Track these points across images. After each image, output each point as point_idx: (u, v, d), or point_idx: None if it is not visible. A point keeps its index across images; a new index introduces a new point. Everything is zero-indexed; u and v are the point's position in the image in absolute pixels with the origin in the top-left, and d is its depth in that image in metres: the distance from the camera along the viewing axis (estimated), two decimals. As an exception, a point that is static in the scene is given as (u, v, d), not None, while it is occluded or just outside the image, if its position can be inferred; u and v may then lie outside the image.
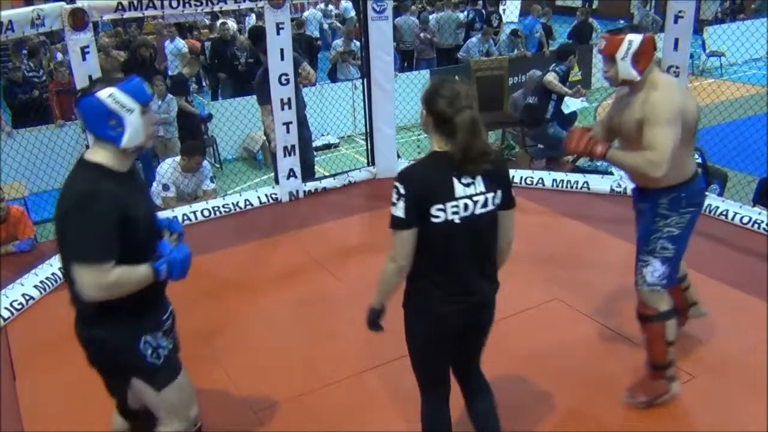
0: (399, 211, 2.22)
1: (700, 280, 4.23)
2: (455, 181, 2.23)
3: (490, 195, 2.29)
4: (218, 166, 8.55)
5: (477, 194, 2.27)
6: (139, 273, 2.17)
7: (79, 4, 4.48)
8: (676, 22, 4.95)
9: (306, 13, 13.83)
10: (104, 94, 2.12)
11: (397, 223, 2.24)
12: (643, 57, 2.84)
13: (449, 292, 2.34)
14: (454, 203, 2.23)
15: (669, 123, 2.76)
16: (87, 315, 2.25)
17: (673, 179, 2.90)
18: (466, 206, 2.25)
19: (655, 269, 3.03)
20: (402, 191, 2.22)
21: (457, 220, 2.24)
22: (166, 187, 5.68)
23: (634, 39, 2.83)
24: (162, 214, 5.28)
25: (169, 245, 2.30)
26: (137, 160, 7.44)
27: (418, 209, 2.22)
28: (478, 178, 2.26)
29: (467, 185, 2.25)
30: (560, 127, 6.58)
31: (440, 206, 2.22)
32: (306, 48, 10.89)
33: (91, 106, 2.14)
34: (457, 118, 2.19)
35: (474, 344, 2.60)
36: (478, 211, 2.27)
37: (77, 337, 2.30)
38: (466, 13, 12.76)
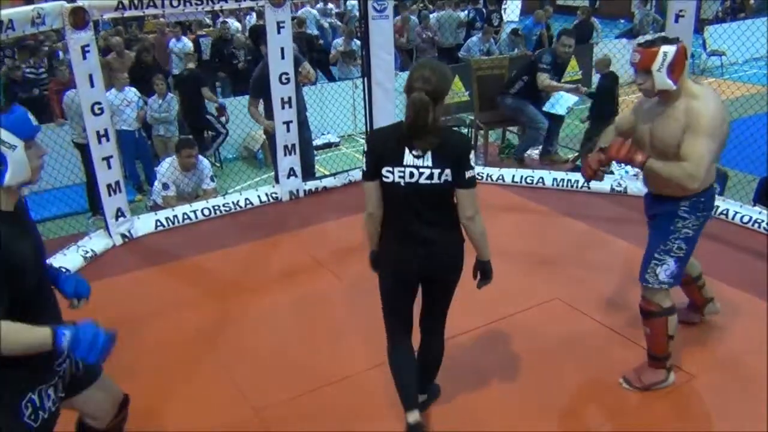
0: (364, 165, 2.64)
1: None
2: (406, 150, 2.54)
3: (436, 171, 2.53)
4: (219, 165, 8.55)
5: (423, 167, 2.54)
6: (35, 336, 1.93)
7: (79, 3, 4.48)
8: (676, 21, 4.96)
9: (301, 11, 13.82)
10: None
11: (363, 175, 2.67)
12: (677, 67, 2.87)
13: (403, 241, 2.68)
14: (400, 168, 2.55)
15: (710, 136, 2.83)
16: None
17: (697, 188, 2.97)
18: (411, 174, 2.55)
19: (669, 268, 3.12)
20: (365, 149, 2.67)
21: (402, 183, 2.56)
22: (166, 186, 5.69)
23: (669, 50, 2.86)
24: (162, 213, 5.35)
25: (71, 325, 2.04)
26: (137, 159, 7.44)
27: (375, 166, 2.60)
28: (428, 154, 2.53)
29: (417, 157, 2.54)
30: (548, 120, 6.40)
31: (389, 168, 2.56)
32: (306, 47, 10.88)
33: None
34: (411, 96, 2.50)
35: (433, 294, 2.86)
36: (422, 181, 2.55)
37: None
38: (466, 12, 12.76)
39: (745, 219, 4.97)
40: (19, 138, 1.99)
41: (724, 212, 5.09)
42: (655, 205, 3.20)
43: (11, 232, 1.96)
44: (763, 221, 4.87)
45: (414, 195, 2.58)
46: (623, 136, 3.16)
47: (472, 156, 2.58)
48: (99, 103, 4.73)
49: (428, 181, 2.54)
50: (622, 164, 3.16)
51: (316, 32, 13.06)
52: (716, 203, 5.09)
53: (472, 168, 2.56)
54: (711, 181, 3.08)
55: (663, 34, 3.11)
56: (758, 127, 6.65)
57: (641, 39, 3.00)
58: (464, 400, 3.24)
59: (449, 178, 2.54)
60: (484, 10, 13.32)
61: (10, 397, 2.04)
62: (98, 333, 2.01)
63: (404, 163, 2.54)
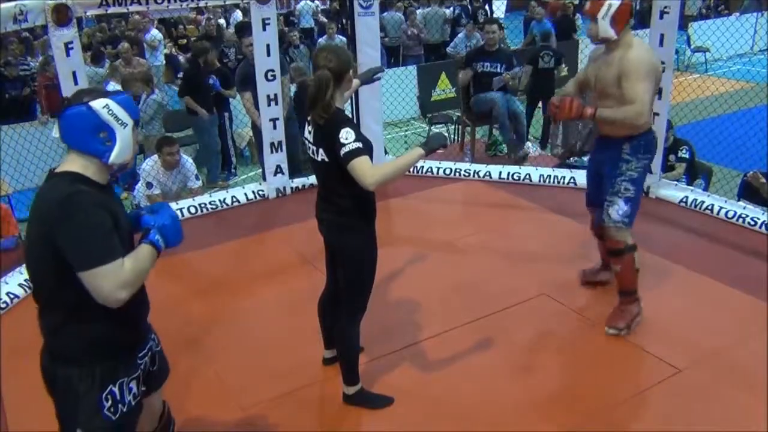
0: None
1: (684, 273, 4.29)
2: (309, 123, 2.81)
3: (316, 148, 2.77)
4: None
5: (310, 142, 2.81)
6: (144, 254, 2.04)
7: (62, 0, 4.43)
8: (661, 18, 4.98)
9: (300, 5, 13.82)
10: (99, 104, 1.97)
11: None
12: (620, 18, 3.34)
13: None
14: (304, 139, 2.88)
15: (646, 77, 3.29)
16: (58, 350, 2.06)
17: (636, 129, 3.44)
18: (308, 146, 2.84)
19: (620, 207, 3.49)
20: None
21: (310, 154, 2.85)
22: (149, 185, 5.66)
23: (614, 2, 3.34)
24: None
25: (150, 216, 2.15)
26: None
27: None
28: (313, 130, 2.78)
29: (310, 132, 2.81)
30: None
31: (303, 136, 2.91)
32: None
33: (82, 116, 1.96)
34: (315, 73, 2.72)
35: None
36: (312, 155, 2.83)
37: (42, 373, 2.10)
38: (452, 9, 12.76)
39: (730, 214, 5.00)
40: (130, 117, 2.04)
41: (709, 207, 5.12)
42: (602, 147, 3.63)
43: (105, 198, 2.02)
44: (747, 216, 4.90)
45: (314, 169, 2.91)
46: (583, 85, 3.73)
47: (344, 132, 2.62)
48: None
49: (315, 157, 2.80)
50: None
51: (312, 26, 13.13)
52: (701, 198, 5.19)
53: (344, 145, 2.61)
54: (648, 125, 3.51)
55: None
56: (742, 122, 6.72)
57: None
58: (452, 397, 3.24)
59: (326, 158, 2.74)
60: (469, 7, 13.31)
61: (90, 390, 2.03)
62: (172, 215, 2.16)
63: (305, 135, 2.86)
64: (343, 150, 2.61)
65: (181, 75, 7.21)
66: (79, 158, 2.00)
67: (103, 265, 1.88)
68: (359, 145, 2.62)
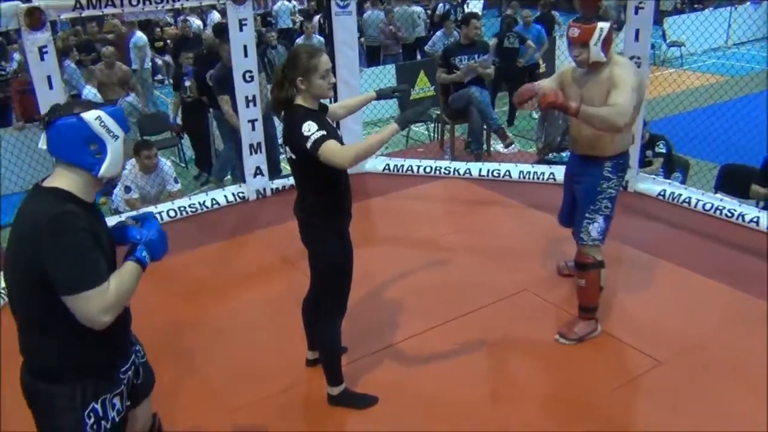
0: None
1: (663, 265, 4.33)
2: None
3: (285, 146, 2.79)
4: (184, 165, 8.44)
5: (284, 141, 2.82)
6: (128, 272, 1.99)
7: (35, 3, 4.38)
8: (636, 13, 5.02)
9: (277, 5, 13.75)
10: (91, 116, 1.93)
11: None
12: (608, 41, 3.29)
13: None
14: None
15: (632, 90, 3.22)
16: (39, 368, 2.02)
17: (618, 149, 3.46)
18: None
19: (599, 225, 3.48)
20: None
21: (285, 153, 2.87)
22: (128, 189, 5.60)
23: (604, 26, 3.26)
24: (127, 216, 5.24)
25: (137, 228, 2.11)
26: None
27: None
28: (283, 129, 2.81)
29: (282, 131, 2.84)
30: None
31: None
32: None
33: (72, 128, 1.92)
34: None
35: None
36: (286, 154, 2.83)
37: (22, 388, 2.06)
38: (442, 5, 12.70)
39: (708, 206, 5.07)
40: (121, 129, 2.01)
41: (687, 200, 5.18)
42: (582, 167, 3.58)
43: (91, 218, 1.97)
44: (724, 208, 4.96)
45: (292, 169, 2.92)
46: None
47: (306, 125, 2.62)
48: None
49: (289, 155, 2.81)
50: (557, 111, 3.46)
51: (290, 26, 13.05)
52: (679, 191, 5.25)
53: (308, 137, 2.60)
54: (628, 145, 3.55)
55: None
56: (718, 116, 6.80)
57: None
58: (437, 395, 3.25)
59: (294, 155, 2.75)
60: (454, 4, 13.28)
61: (72, 407, 2.00)
62: (158, 227, 2.13)
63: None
64: (309, 142, 2.60)
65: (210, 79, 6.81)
66: (67, 172, 1.96)
67: (89, 290, 1.86)
68: (323, 132, 2.61)
